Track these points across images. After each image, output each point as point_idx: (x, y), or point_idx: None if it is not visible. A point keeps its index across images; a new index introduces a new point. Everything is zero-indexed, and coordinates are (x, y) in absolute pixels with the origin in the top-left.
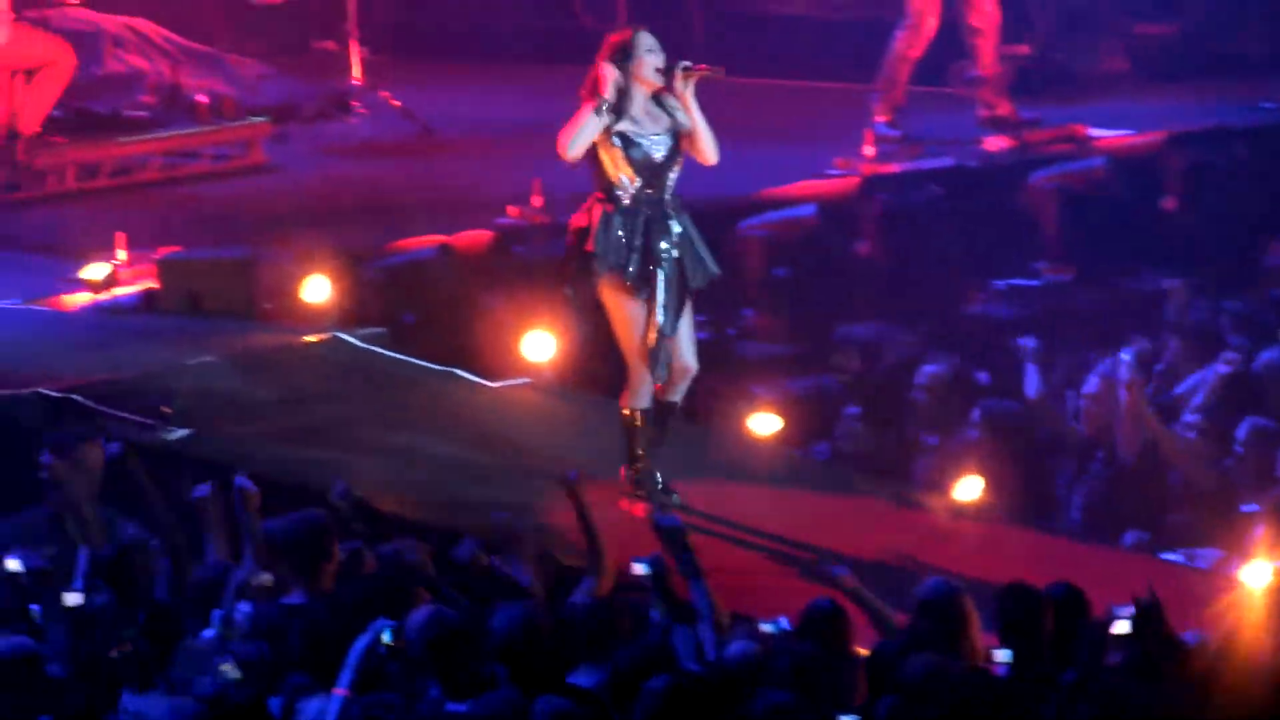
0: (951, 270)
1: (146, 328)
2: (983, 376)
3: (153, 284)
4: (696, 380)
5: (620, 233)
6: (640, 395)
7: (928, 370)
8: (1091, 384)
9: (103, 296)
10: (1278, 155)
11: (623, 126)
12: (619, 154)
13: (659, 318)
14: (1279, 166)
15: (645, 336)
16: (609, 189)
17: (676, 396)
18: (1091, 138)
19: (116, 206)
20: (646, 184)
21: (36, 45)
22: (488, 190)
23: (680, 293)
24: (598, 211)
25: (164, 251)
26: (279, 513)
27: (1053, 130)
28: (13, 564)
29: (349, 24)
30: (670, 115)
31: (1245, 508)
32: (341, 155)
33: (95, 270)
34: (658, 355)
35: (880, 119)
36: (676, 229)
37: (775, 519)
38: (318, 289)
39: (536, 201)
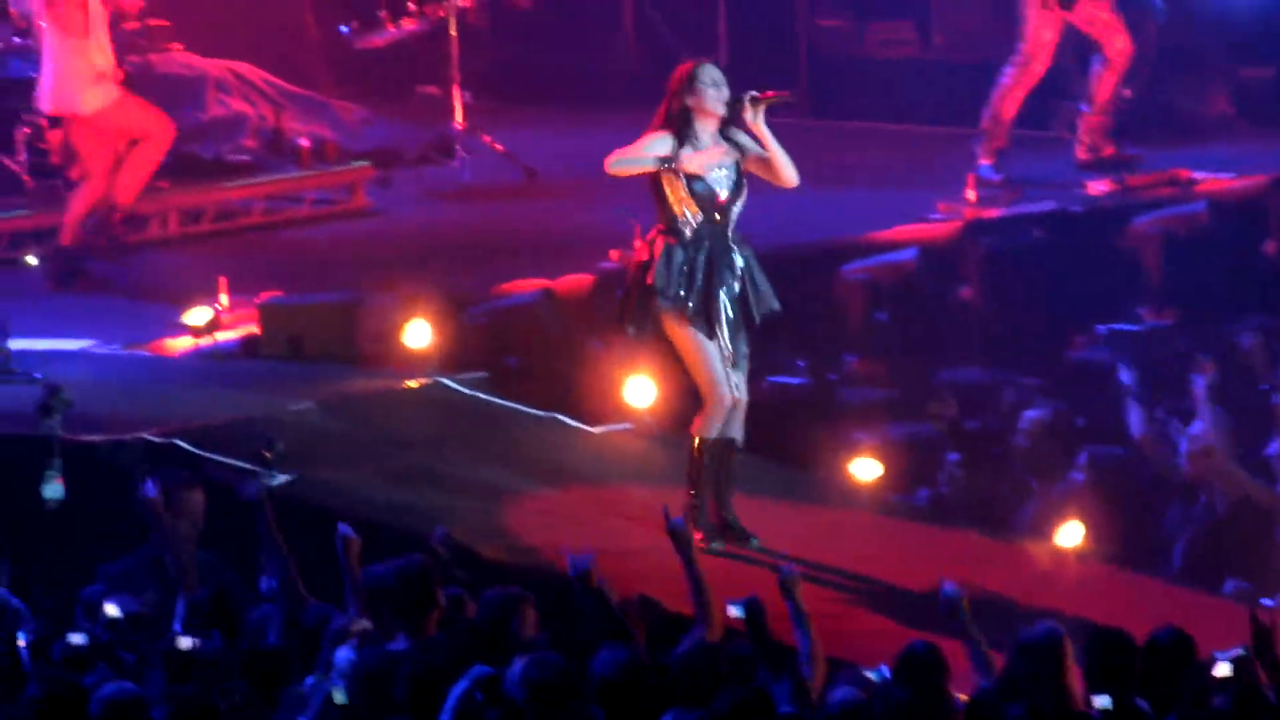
0: (1053, 314)
1: (248, 372)
2: (1084, 421)
3: (254, 329)
4: (799, 425)
5: (684, 266)
6: (714, 425)
7: (1030, 415)
8: (1195, 428)
9: (205, 341)
10: None
11: (687, 159)
12: (682, 187)
13: (735, 352)
14: None
15: (716, 365)
16: (672, 222)
17: (735, 432)
18: (1194, 181)
19: (219, 251)
20: (709, 217)
21: (138, 115)
22: (589, 234)
23: (741, 325)
24: (660, 244)
25: (265, 296)
26: (380, 558)
27: (1155, 174)
28: (111, 609)
29: (451, 68)
30: (735, 147)
31: None
32: (444, 199)
33: (197, 315)
34: (726, 386)
35: (983, 162)
36: (739, 262)
37: (875, 563)
38: (419, 333)
39: (638, 245)
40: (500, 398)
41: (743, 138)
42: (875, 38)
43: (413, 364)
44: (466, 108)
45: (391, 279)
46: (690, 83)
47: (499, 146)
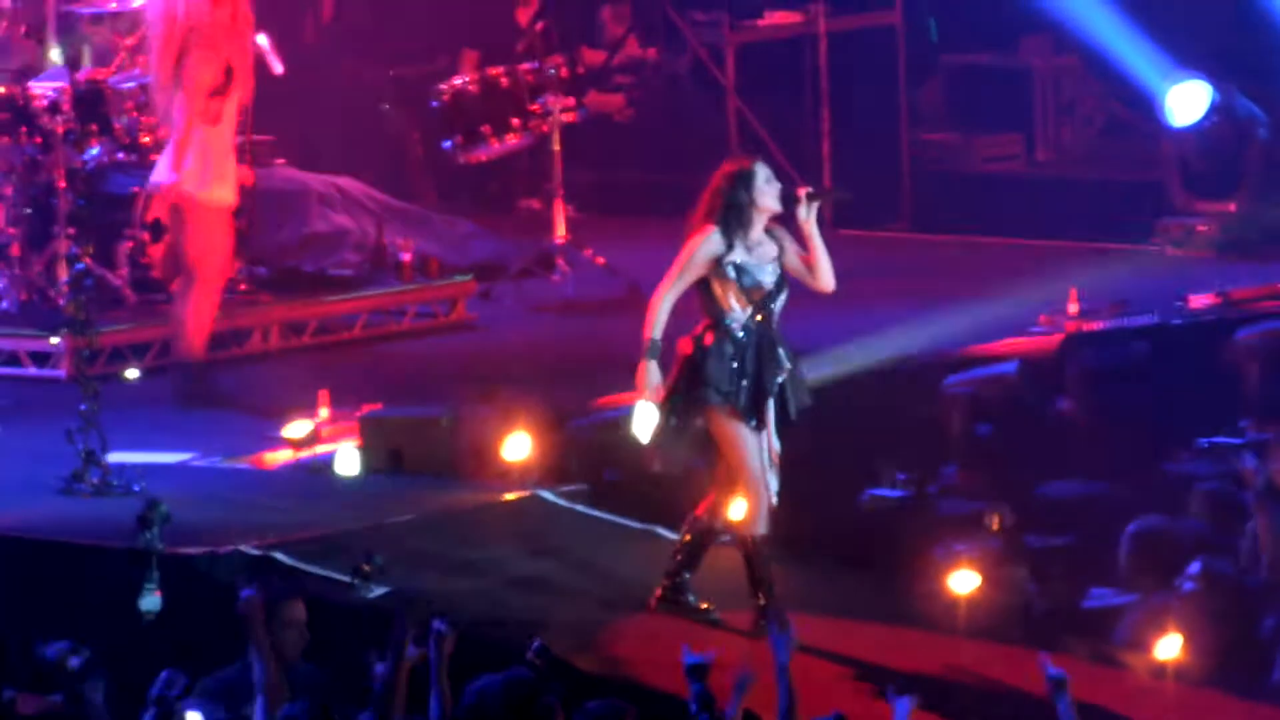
0: (1155, 428)
1: (347, 486)
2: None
3: (355, 442)
4: (898, 537)
5: (733, 362)
6: (760, 521)
7: (1132, 529)
8: None
9: (304, 454)
10: None
11: (737, 256)
12: (733, 284)
13: (773, 445)
14: None
15: (759, 463)
16: (719, 317)
17: (764, 528)
18: None
19: (319, 364)
20: (756, 312)
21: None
22: None
23: (784, 421)
24: (709, 339)
25: (366, 409)
26: (476, 671)
27: (1258, 288)
28: (194, 717)
29: (554, 182)
30: (777, 244)
31: None
32: (545, 313)
33: (298, 428)
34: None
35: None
36: (784, 357)
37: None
38: (518, 446)
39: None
40: (600, 510)
41: (784, 235)
42: (980, 152)
43: (512, 477)
44: (569, 221)
45: (492, 392)
46: (748, 180)
47: (600, 260)
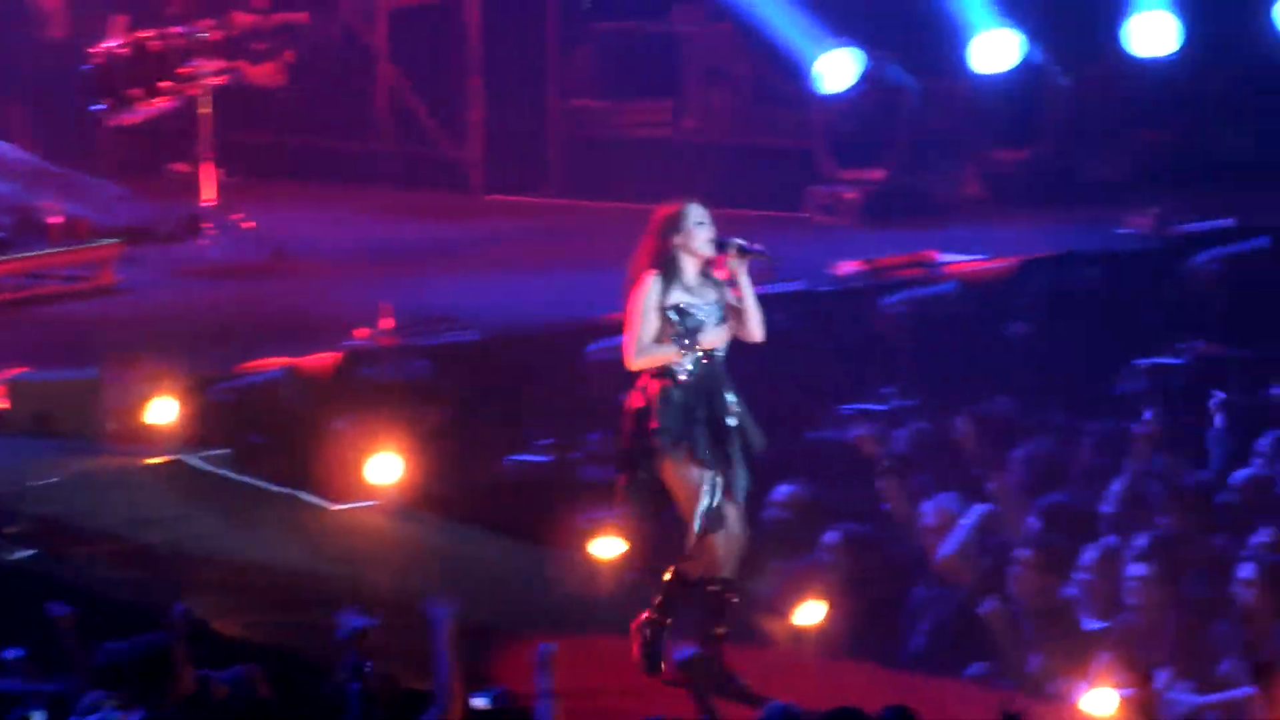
0: (803, 394)
1: None
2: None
3: (1, 403)
4: (536, 502)
5: (683, 408)
6: (721, 563)
7: (783, 491)
8: (932, 515)
9: None
10: (1131, 281)
11: (677, 298)
12: (675, 327)
13: (735, 487)
14: (1132, 292)
15: (719, 508)
16: (664, 365)
17: (731, 571)
18: (943, 263)
19: None
20: (703, 355)
21: None
22: (336, 313)
23: (741, 461)
24: (655, 388)
25: (12, 372)
26: (122, 635)
27: (904, 255)
28: None
29: (202, 146)
30: (717, 287)
31: (1087, 625)
32: (193, 277)
33: None
34: (725, 524)
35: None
36: (732, 398)
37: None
38: (163, 410)
39: (385, 324)
40: (244, 474)
41: (719, 281)
42: (630, 119)
43: (157, 441)
44: (218, 186)
45: (138, 356)
46: (679, 223)
47: (249, 225)
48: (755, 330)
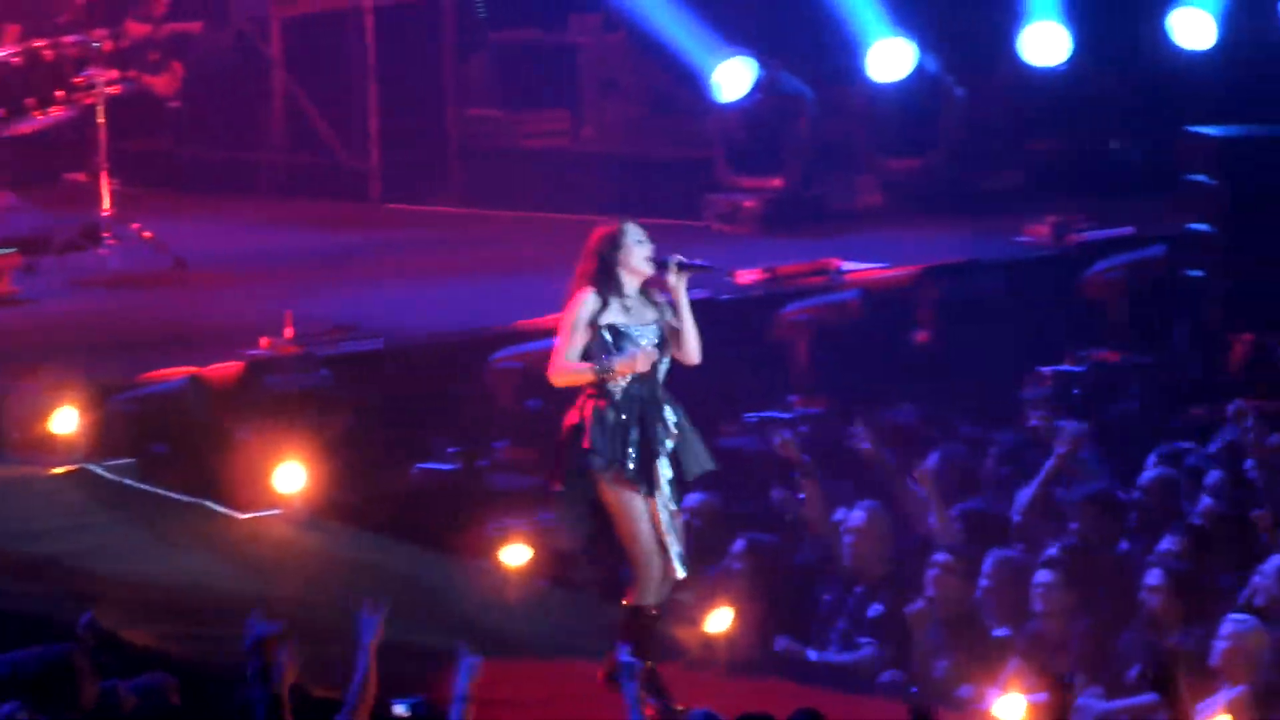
0: (708, 402)
1: None
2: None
3: None
4: (444, 510)
5: (617, 427)
6: (651, 591)
7: (694, 498)
8: (855, 518)
9: None
10: (1031, 289)
11: (612, 318)
12: (609, 347)
13: (661, 511)
14: (1032, 300)
15: (654, 530)
16: (601, 383)
17: (655, 598)
18: (843, 271)
19: None
20: (638, 375)
21: None
22: (238, 322)
23: (678, 486)
24: (590, 407)
25: None
26: (24, 647)
27: (804, 264)
28: None
29: (99, 155)
30: (657, 307)
31: (997, 632)
32: (92, 287)
33: None
34: (658, 547)
35: None
36: (672, 419)
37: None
38: (65, 420)
39: (288, 332)
40: (148, 484)
41: (661, 300)
42: (527, 128)
43: (59, 451)
44: (115, 195)
45: (38, 366)
46: (616, 241)
47: (148, 234)
48: (693, 353)
